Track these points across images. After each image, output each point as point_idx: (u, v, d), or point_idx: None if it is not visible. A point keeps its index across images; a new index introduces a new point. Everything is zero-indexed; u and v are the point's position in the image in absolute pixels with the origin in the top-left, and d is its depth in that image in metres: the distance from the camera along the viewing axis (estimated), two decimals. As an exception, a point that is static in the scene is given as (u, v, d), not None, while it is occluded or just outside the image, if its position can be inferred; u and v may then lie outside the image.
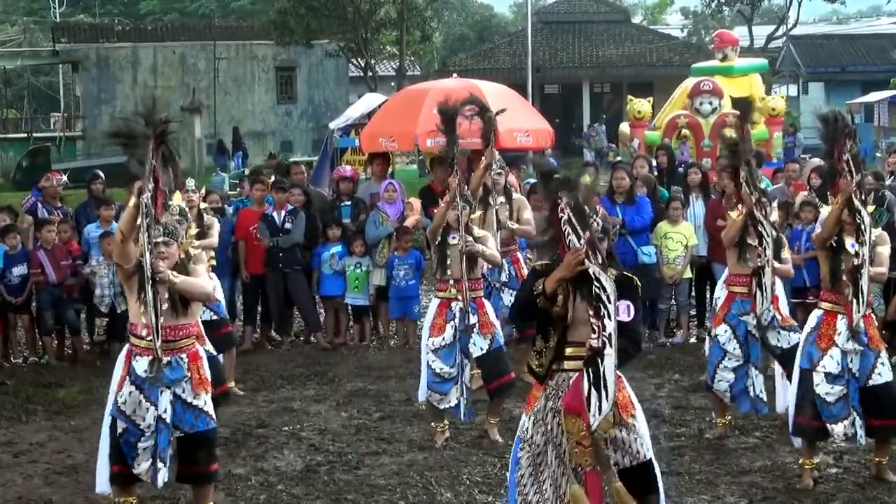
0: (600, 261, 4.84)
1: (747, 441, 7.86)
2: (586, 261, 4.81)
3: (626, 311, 4.95)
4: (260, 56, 42.76)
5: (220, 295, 8.61)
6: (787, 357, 7.67)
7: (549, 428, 5.05)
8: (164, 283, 5.80)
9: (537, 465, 5.06)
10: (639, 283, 5.18)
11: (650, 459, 5.11)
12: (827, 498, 6.68)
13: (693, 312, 11.70)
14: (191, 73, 41.93)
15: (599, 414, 4.82)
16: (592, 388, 4.81)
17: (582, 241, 4.82)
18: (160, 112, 5.80)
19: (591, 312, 4.82)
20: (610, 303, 4.77)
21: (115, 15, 54.84)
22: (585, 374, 4.84)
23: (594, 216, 5.00)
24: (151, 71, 41.92)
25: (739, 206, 7.67)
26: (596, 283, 4.79)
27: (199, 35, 42.84)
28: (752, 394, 7.71)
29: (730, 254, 7.78)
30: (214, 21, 45.29)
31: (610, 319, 4.77)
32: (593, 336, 4.80)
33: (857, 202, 6.57)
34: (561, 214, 4.88)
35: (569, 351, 5.03)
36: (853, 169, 6.55)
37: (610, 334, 4.77)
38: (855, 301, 6.61)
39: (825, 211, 7.24)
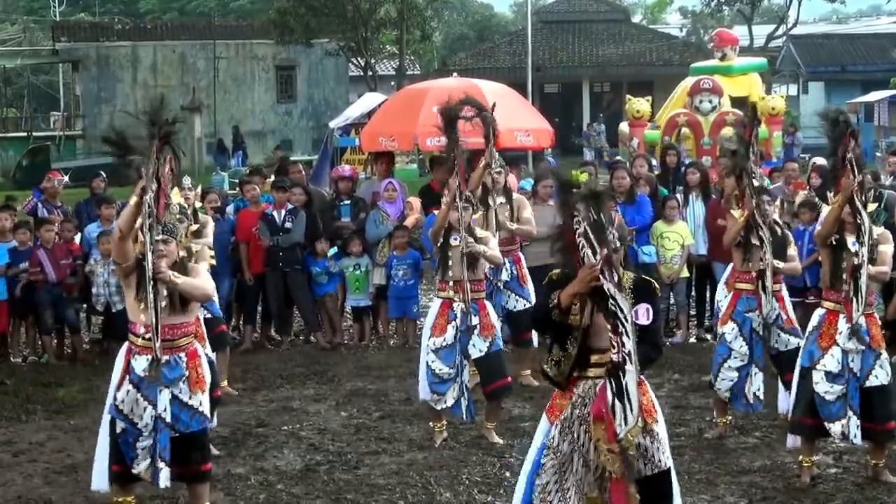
0: (616, 279, 4.78)
1: (747, 441, 7.86)
2: (601, 277, 4.75)
3: (645, 314, 4.91)
4: (260, 55, 42.75)
5: (214, 294, 8.57)
6: (783, 360, 7.69)
7: (576, 436, 5.01)
8: (166, 283, 5.80)
9: (562, 473, 5.03)
10: (657, 285, 5.15)
11: (669, 468, 5.09)
12: (827, 498, 6.69)
13: (693, 312, 11.70)
14: (191, 72, 41.92)
15: (626, 424, 4.79)
16: (616, 400, 4.79)
17: (598, 258, 4.75)
18: (166, 112, 5.80)
19: (608, 328, 4.79)
20: (627, 321, 4.73)
21: (115, 14, 54.81)
22: (608, 385, 4.81)
23: (610, 228, 4.94)
24: (151, 70, 41.92)
25: (741, 206, 7.69)
26: (612, 300, 4.75)
27: (199, 34, 42.83)
28: (748, 392, 7.71)
29: (735, 253, 7.79)
30: (214, 20, 45.27)
31: (628, 337, 4.73)
32: (613, 352, 4.77)
33: (857, 202, 6.58)
34: (576, 227, 4.81)
35: (593, 358, 4.99)
36: (856, 168, 6.55)
37: (630, 352, 4.73)
38: (855, 299, 6.62)
39: (826, 210, 7.24)
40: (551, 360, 5.08)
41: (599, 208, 4.82)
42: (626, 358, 4.74)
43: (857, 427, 6.70)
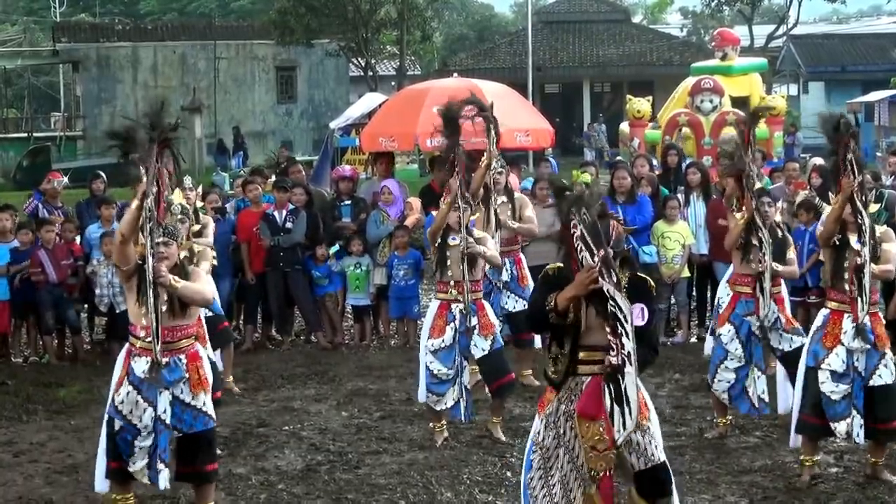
0: (615, 280, 4.75)
1: (748, 441, 7.85)
2: (600, 279, 4.71)
3: (639, 314, 4.87)
4: (260, 56, 42.75)
5: (214, 292, 8.57)
6: (789, 359, 7.68)
7: (561, 431, 5.01)
8: (166, 287, 5.81)
9: (548, 469, 5.03)
10: (653, 283, 5.12)
11: (663, 462, 5.08)
12: (827, 497, 6.68)
13: (694, 312, 11.69)
14: (191, 72, 41.92)
15: (624, 429, 4.79)
16: (615, 404, 4.77)
17: (596, 259, 4.72)
18: (166, 115, 5.81)
19: (608, 330, 4.76)
20: (627, 322, 4.70)
21: (115, 14, 54.83)
22: (606, 389, 4.79)
23: (609, 236, 4.92)
24: (152, 71, 41.92)
25: (741, 208, 7.69)
26: (611, 301, 4.71)
27: (200, 35, 42.84)
28: (752, 395, 7.70)
29: (734, 255, 7.79)
30: (215, 21, 45.29)
31: (628, 338, 4.70)
32: (612, 354, 4.74)
33: (858, 202, 6.58)
34: (573, 231, 4.78)
35: (582, 355, 4.98)
36: (856, 169, 6.55)
37: (629, 353, 4.71)
38: (860, 299, 6.61)
39: (828, 210, 7.22)
40: (550, 359, 5.08)
41: (591, 210, 4.78)
42: (626, 360, 4.72)
43: (861, 426, 6.70)
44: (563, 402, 5.04)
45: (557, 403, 5.05)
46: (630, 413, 4.76)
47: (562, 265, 4.98)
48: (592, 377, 4.93)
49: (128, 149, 5.77)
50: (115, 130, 5.84)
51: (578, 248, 4.79)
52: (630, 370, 4.73)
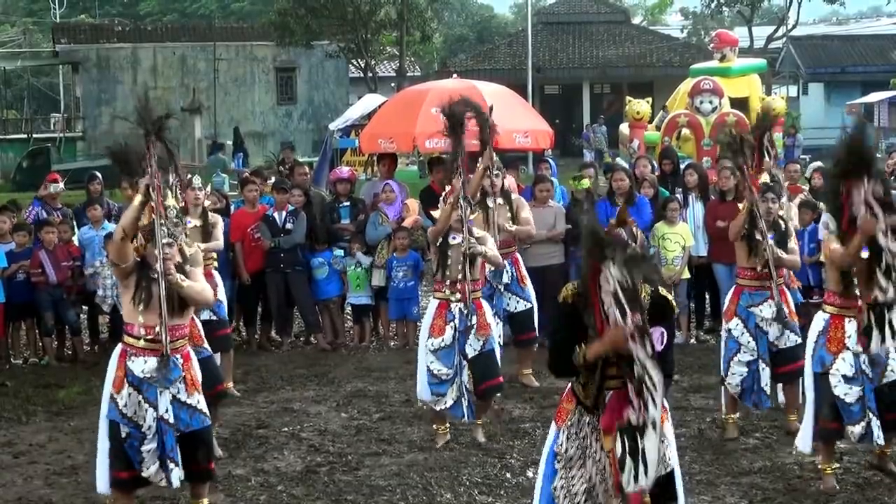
0: (649, 350, 4.52)
1: (747, 442, 7.85)
2: (631, 343, 4.52)
3: (659, 338, 4.72)
4: (260, 57, 42.80)
5: (222, 296, 8.60)
6: (779, 357, 7.68)
7: (587, 443, 4.92)
8: (172, 285, 5.83)
9: (570, 479, 4.99)
10: (674, 304, 4.99)
11: (673, 469, 5.00)
12: (827, 498, 6.68)
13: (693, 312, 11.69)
14: (191, 73, 41.95)
15: (636, 482, 4.63)
16: (628, 457, 4.62)
17: (628, 321, 4.51)
18: (155, 111, 5.83)
19: (631, 389, 4.59)
20: (656, 390, 4.52)
21: (115, 15, 54.86)
22: (620, 441, 4.66)
23: (633, 244, 4.78)
24: (151, 71, 41.95)
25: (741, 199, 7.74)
26: (640, 366, 4.53)
27: (200, 36, 42.87)
28: (756, 388, 7.70)
29: (738, 248, 7.80)
30: (214, 22, 45.34)
31: (655, 406, 4.54)
32: (633, 411, 4.59)
33: (884, 242, 6.17)
34: (605, 284, 4.55)
35: (610, 371, 4.82)
36: (879, 211, 6.19)
37: (654, 420, 4.57)
38: (878, 333, 6.33)
39: (827, 216, 7.06)
40: (578, 384, 4.93)
41: (637, 274, 4.54)
42: (650, 425, 4.57)
43: (878, 427, 6.64)
44: (586, 414, 4.92)
45: (579, 415, 4.94)
46: (646, 473, 4.61)
47: (577, 288, 4.77)
48: (615, 391, 4.78)
49: (125, 171, 5.80)
50: (111, 152, 5.87)
51: (607, 303, 4.56)
52: (651, 433, 4.58)
